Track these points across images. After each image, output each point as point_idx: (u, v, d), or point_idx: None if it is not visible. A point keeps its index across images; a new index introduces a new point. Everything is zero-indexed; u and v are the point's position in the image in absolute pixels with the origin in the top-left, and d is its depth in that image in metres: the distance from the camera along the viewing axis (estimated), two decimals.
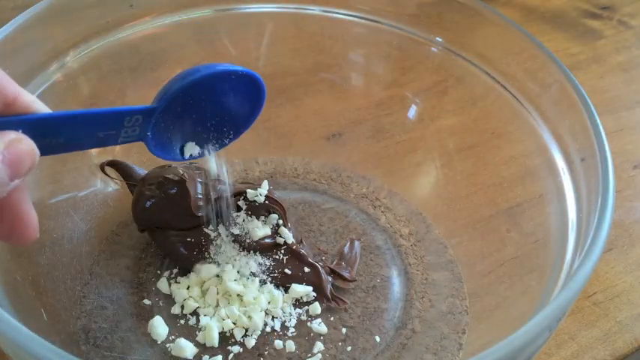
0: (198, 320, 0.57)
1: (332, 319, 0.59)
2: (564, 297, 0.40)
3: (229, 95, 0.54)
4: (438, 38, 0.69)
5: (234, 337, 0.56)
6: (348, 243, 0.65)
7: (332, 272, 0.61)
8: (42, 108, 0.42)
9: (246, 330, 0.57)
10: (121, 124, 0.48)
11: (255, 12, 0.72)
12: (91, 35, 0.64)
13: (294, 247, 0.61)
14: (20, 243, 0.42)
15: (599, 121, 0.52)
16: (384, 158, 0.73)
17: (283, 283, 0.60)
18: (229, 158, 0.72)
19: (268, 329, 0.57)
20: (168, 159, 0.54)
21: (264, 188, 0.61)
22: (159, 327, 0.56)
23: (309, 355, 0.56)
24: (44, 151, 0.41)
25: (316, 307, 0.59)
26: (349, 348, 0.57)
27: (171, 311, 0.58)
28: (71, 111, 0.45)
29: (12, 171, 0.37)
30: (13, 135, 0.38)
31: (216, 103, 0.53)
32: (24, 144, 0.38)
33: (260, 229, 0.60)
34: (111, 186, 0.66)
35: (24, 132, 0.39)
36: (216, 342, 0.56)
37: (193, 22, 0.70)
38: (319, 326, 0.58)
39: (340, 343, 0.57)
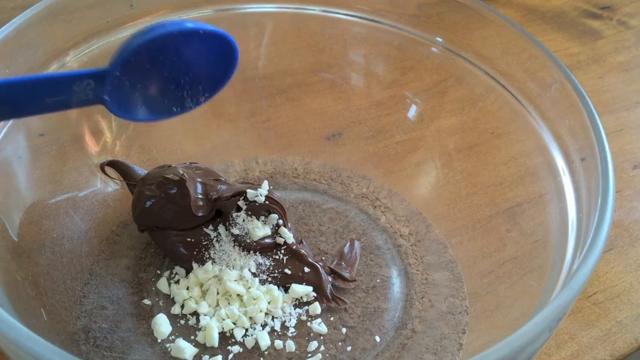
0: (198, 320, 0.57)
1: (332, 319, 0.59)
2: (564, 297, 0.40)
3: (198, 53, 0.50)
4: (438, 38, 0.69)
5: (234, 337, 0.56)
6: (348, 243, 0.65)
7: (332, 272, 0.61)
8: None
9: (246, 330, 0.57)
10: (70, 90, 0.45)
11: (255, 12, 0.72)
12: (91, 35, 0.64)
13: (294, 247, 0.61)
14: None
15: (599, 121, 0.52)
16: (384, 158, 0.73)
17: (283, 283, 0.60)
18: (229, 158, 0.72)
19: (268, 329, 0.57)
20: (134, 119, 0.50)
21: (265, 188, 0.61)
22: (162, 325, 0.56)
23: (309, 355, 0.56)
24: None
25: (316, 307, 0.59)
26: (349, 348, 0.57)
27: (171, 311, 0.58)
28: (9, 78, 0.43)
29: None
30: None
31: (183, 62, 0.50)
32: None
33: (260, 229, 0.60)
34: (111, 186, 0.66)
35: None
36: (216, 342, 0.56)
37: None
38: (319, 326, 0.58)
39: (340, 343, 0.57)
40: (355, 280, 0.62)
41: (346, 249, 0.64)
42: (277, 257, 0.60)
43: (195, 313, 0.58)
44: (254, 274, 0.60)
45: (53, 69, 0.61)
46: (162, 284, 0.60)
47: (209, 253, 0.60)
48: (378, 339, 0.57)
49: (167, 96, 0.51)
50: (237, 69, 0.73)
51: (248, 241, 0.60)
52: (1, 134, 0.56)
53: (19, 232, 0.56)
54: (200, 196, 0.60)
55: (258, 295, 0.58)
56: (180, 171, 0.60)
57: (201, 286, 0.59)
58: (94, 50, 0.65)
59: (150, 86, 0.49)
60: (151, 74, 0.49)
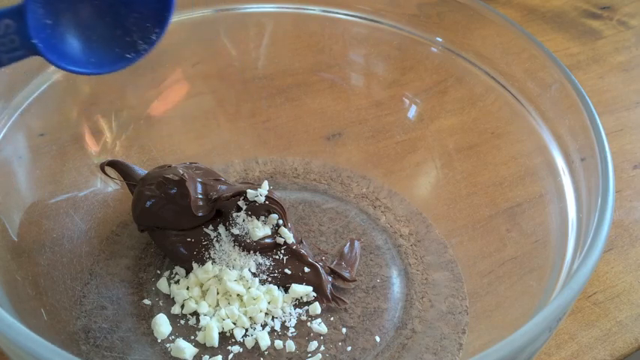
0: (198, 320, 0.57)
1: (332, 319, 0.59)
2: (564, 297, 0.40)
3: None
4: (437, 38, 0.69)
5: (234, 337, 0.56)
6: (348, 243, 0.65)
7: (332, 272, 0.61)
8: None
9: (246, 330, 0.57)
10: None
11: (255, 12, 0.72)
12: None
13: (294, 247, 0.61)
14: None
15: (599, 121, 0.51)
16: (384, 158, 0.73)
17: (283, 283, 0.60)
18: (229, 158, 0.72)
19: (268, 329, 0.57)
20: (82, 71, 0.45)
21: (265, 189, 0.61)
22: (162, 325, 0.56)
23: (309, 355, 0.56)
24: None
25: (316, 307, 0.59)
26: (349, 348, 0.56)
27: (171, 311, 0.58)
28: None
29: None
30: None
31: None
32: None
33: (260, 230, 0.60)
34: (111, 186, 0.66)
35: None
36: (216, 342, 0.55)
37: (193, 22, 0.70)
38: (319, 326, 0.57)
39: (340, 343, 0.57)
40: (355, 280, 0.61)
41: (346, 249, 0.64)
42: (277, 257, 0.60)
43: (195, 313, 0.58)
44: (254, 274, 0.59)
45: (53, 68, 0.60)
46: (162, 284, 0.60)
47: (209, 253, 0.60)
48: (378, 339, 0.57)
49: (115, 42, 0.46)
50: (237, 69, 0.73)
51: (248, 241, 0.60)
52: (1, 134, 0.56)
53: (19, 232, 0.56)
54: (200, 196, 0.60)
55: (258, 295, 0.58)
56: (180, 171, 0.60)
57: (201, 286, 0.59)
58: None
59: (88, 26, 0.44)
60: (81, 10, 0.43)
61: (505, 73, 0.64)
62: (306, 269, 0.60)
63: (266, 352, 0.56)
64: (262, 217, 0.61)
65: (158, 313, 0.57)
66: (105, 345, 0.55)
